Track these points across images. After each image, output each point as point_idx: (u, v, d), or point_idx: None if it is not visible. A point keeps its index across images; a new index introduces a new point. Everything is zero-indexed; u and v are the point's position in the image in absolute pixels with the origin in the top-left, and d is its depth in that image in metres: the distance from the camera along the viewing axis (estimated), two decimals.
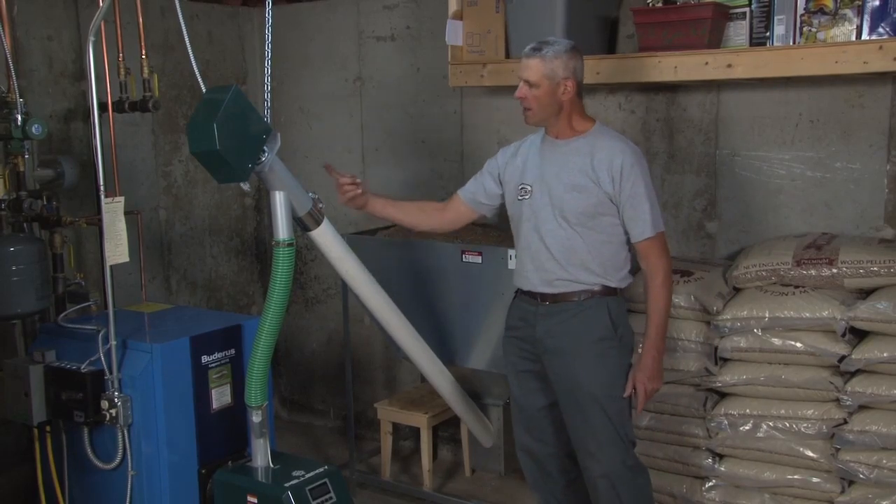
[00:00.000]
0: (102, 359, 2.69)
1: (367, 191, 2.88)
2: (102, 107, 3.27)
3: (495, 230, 3.55)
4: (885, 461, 2.69)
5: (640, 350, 2.66)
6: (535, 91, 2.55)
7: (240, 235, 4.58)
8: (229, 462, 2.82)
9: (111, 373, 2.68)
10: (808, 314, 2.80)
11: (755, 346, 2.88)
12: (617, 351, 2.62)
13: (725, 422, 2.93)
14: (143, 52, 3.50)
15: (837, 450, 2.77)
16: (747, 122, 3.28)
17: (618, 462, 2.63)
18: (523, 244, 2.70)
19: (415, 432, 3.93)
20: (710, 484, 3.02)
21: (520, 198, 2.69)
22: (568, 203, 2.57)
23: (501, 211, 2.90)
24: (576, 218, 2.57)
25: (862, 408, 2.74)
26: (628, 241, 2.62)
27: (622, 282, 2.64)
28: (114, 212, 2.70)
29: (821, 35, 2.79)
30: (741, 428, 2.91)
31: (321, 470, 2.67)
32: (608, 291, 2.61)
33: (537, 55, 2.54)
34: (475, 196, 2.86)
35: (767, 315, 2.85)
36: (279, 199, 2.54)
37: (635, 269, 2.70)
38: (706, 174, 3.39)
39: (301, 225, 2.70)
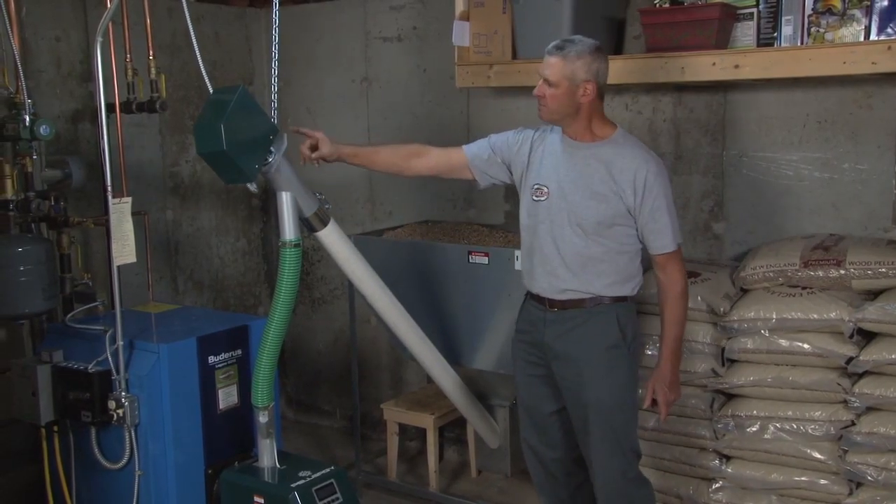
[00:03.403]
0: (110, 359, 2.70)
1: (332, 143, 2.68)
2: (110, 107, 3.29)
3: (501, 231, 3.56)
4: (892, 463, 2.68)
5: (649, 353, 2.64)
6: (553, 90, 2.47)
7: (246, 236, 4.59)
8: (236, 462, 2.83)
9: (118, 373, 2.69)
10: (815, 315, 2.79)
11: (762, 347, 2.87)
12: (627, 360, 2.58)
13: (732, 423, 2.92)
14: (151, 52, 3.51)
15: (845, 451, 2.76)
16: (755, 122, 3.28)
17: (618, 474, 2.60)
18: (536, 246, 2.61)
19: (421, 433, 3.93)
20: (717, 485, 3.01)
21: (535, 198, 2.60)
22: (586, 211, 2.51)
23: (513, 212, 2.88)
24: (592, 227, 2.51)
25: (870, 409, 2.73)
26: (642, 250, 2.58)
27: (633, 290, 2.60)
28: (121, 212, 2.71)
29: (829, 35, 2.78)
30: (748, 429, 2.90)
31: (327, 470, 2.67)
32: (618, 299, 2.57)
33: (559, 54, 2.45)
34: (484, 167, 2.70)
35: (775, 316, 2.84)
36: (286, 200, 2.54)
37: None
38: (713, 175, 3.38)
39: (307, 226, 2.70)
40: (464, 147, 2.78)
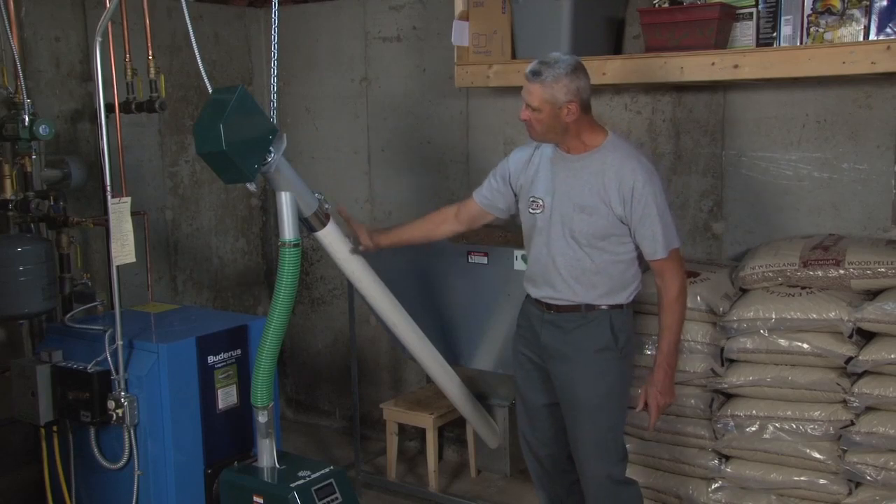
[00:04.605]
0: (109, 359, 2.70)
1: (372, 233, 2.91)
2: (109, 107, 3.29)
3: (501, 231, 3.55)
4: (892, 463, 2.68)
5: (647, 356, 2.64)
6: (536, 115, 2.51)
7: (246, 236, 4.59)
8: (235, 462, 2.83)
9: (118, 373, 2.69)
10: (814, 315, 2.79)
11: (761, 347, 2.87)
12: (617, 363, 2.61)
13: (731, 423, 2.92)
14: (150, 52, 3.51)
15: (844, 451, 2.76)
16: (754, 122, 3.28)
17: (603, 475, 2.63)
18: (534, 256, 2.67)
19: (420, 433, 3.93)
20: (717, 485, 3.01)
21: (531, 211, 2.65)
22: (577, 224, 2.54)
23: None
24: (585, 239, 2.54)
25: (869, 409, 2.73)
26: (639, 257, 2.60)
27: (629, 298, 2.63)
28: (120, 212, 2.71)
29: (828, 35, 2.79)
30: (747, 429, 2.90)
31: (327, 470, 2.67)
32: (613, 306, 2.60)
33: (537, 80, 2.47)
34: (492, 201, 2.81)
35: (774, 316, 2.84)
36: (285, 200, 2.54)
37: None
38: (712, 175, 3.39)
39: (307, 225, 2.71)
40: (474, 194, 2.87)
